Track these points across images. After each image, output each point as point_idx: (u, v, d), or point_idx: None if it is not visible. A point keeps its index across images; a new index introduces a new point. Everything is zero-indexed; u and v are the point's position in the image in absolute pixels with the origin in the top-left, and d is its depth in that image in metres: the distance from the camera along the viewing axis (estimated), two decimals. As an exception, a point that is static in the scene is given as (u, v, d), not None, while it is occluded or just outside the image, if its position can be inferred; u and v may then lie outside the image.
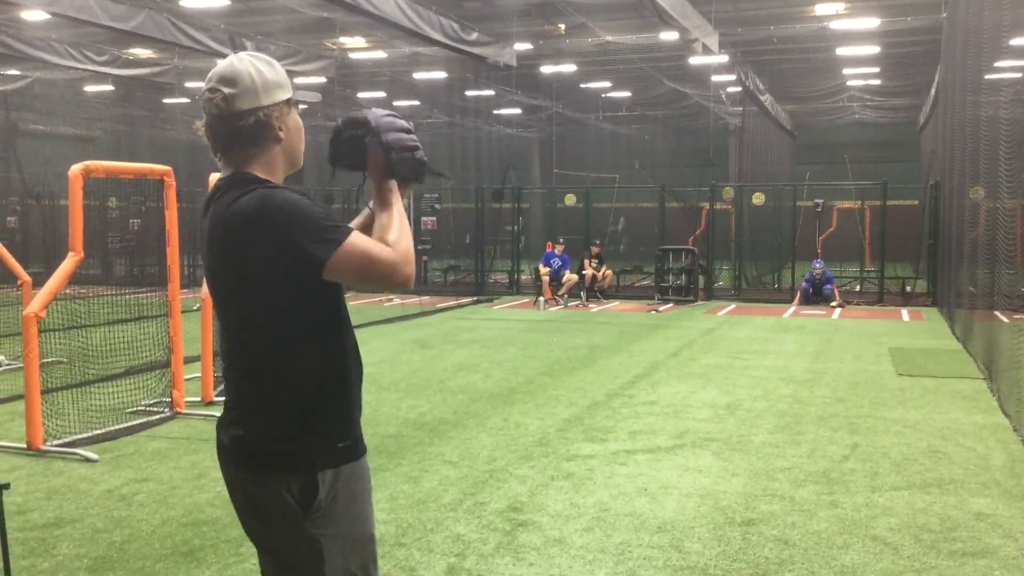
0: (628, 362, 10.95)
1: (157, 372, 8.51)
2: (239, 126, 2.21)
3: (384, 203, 2.28)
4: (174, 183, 7.78)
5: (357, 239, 2.15)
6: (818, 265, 18.75)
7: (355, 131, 2.30)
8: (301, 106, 2.35)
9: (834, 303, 18.04)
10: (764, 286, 21.76)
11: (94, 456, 6.49)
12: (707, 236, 20.99)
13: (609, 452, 6.68)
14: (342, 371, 2.28)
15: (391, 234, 2.20)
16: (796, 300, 18.68)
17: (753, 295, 20.22)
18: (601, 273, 19.61)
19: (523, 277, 21.73)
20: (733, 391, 9.05)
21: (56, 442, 6.77)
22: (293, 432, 2.22)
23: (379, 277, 2.16)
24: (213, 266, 2.28)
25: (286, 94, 2.28)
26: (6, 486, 4.01)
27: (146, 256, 21.23)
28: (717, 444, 6.92)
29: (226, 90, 2.20)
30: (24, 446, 6.62)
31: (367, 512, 2.33)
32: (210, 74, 2.25)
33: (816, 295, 18.43)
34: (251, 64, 2.24)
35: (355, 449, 2.29)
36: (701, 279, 19.60)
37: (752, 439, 7.08)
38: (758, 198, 21.32)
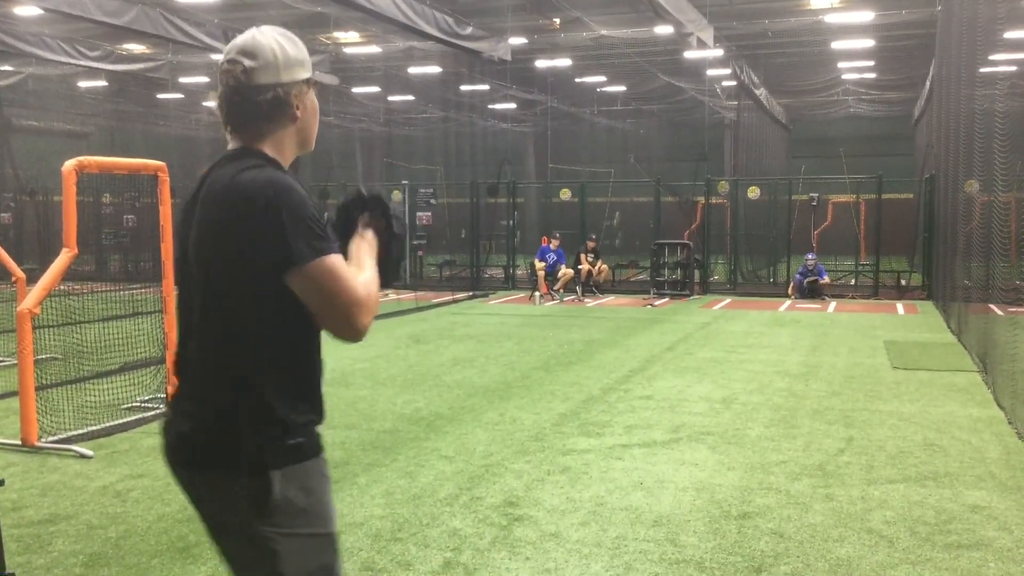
0: (624, 356, 10.96)
1: (152, 368, 8.49)
2: (256, 101, 2.14)
3: (362, 257, 2.22)
4: (168, 179, 7.75)
5: (339, 260, 2.07)
6: (811, 258, 19.01)
7: (373, 208, 2.32)
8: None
9: (824, 283, 18.52)
10: (759, 280, 21.80)
11: (89, 452, 6.48)
12: (702, 230, 21.01)
13: (605, 446, 6.68)
14: (300, 368, 2.17)
15: (364, 276, 2.14)
16: (791, 292, 18.78)
17: (748, 289, 20.27)
18: (597, 268, 19.61)
19: (519, 272, 21.71)
20: (729, 385, 9.06)
21: (51, 439, 6.75)
22: (243, 429, 2.09)
23: (340, 308, 2.06)
24: (198, 232, 2.12)
25: (306, 73, 2.22)
26: (1, 483, 4.01)
27: (140, 252, 21.16)
28: (713, 438, 6.92)
29: (247, 62, 2.13)
30: (19, 443, 6.61)
31: (326, 510, 2.21)
32: (230, 45, 2.18)
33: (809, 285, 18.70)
34: (274, 39, 2.17)
35: (309, 447, 2.16)
36: (696, 273, 19.67)
37: (748, 433, 7.09)
38: (753, 192, 21.36)
